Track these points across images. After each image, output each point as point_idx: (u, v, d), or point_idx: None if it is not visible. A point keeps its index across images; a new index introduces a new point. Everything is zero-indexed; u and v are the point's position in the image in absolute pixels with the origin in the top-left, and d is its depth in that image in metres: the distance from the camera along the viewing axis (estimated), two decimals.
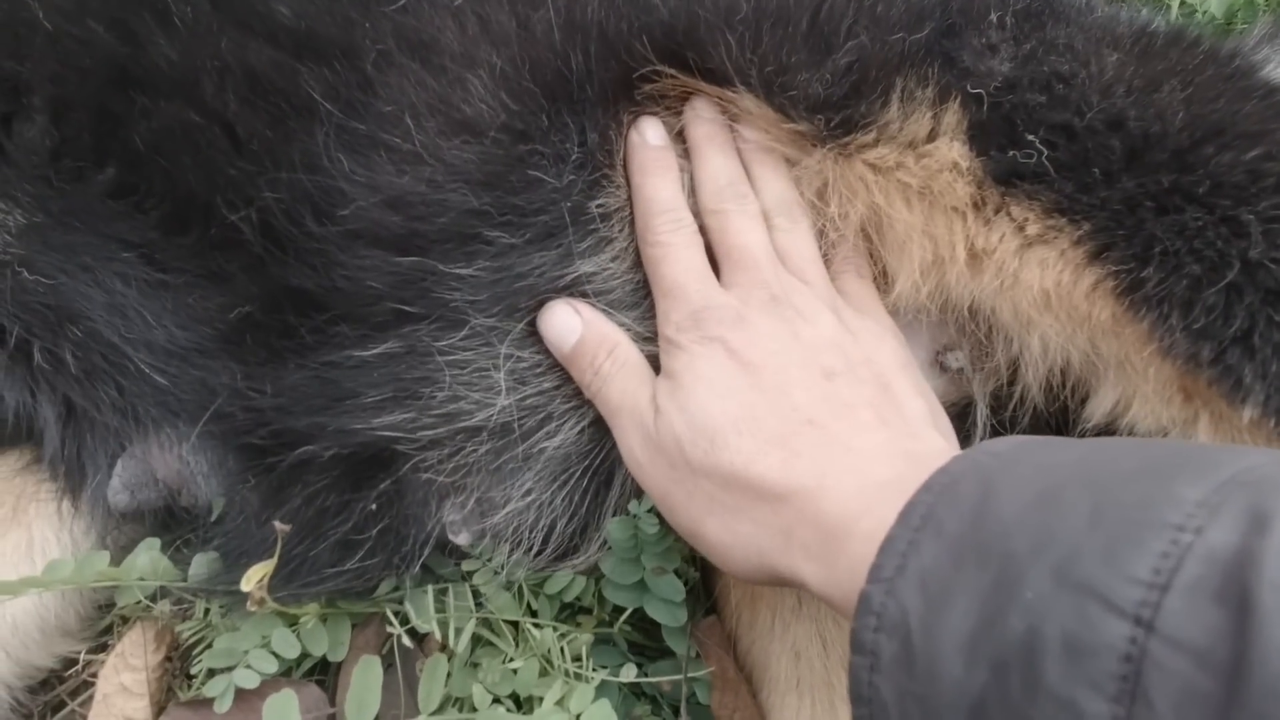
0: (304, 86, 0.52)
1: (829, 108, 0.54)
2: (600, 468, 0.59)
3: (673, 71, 0.55)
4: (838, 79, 0.53)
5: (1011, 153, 0.50)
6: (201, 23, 0.54)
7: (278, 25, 0.54)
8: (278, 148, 0.52)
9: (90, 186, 0.54)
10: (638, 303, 0.57)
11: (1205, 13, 1.22)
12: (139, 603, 0.61)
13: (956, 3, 0.60)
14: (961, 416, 0.62)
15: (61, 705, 0.62)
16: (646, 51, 0.54)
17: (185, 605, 0.64)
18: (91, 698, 0.61)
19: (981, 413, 0.61)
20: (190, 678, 0.60)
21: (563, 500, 0.58)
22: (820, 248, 0.57)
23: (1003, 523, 0.34)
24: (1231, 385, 0.45)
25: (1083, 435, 0.57)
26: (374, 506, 0.53)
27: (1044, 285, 0.50)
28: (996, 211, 0.50)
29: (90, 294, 0.54)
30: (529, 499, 0.58)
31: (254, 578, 0.48)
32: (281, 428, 0.52)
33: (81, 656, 0.62)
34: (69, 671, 0.63)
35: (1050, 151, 0.49)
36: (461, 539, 0.57)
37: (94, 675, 0.61)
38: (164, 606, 0.62)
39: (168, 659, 0.61)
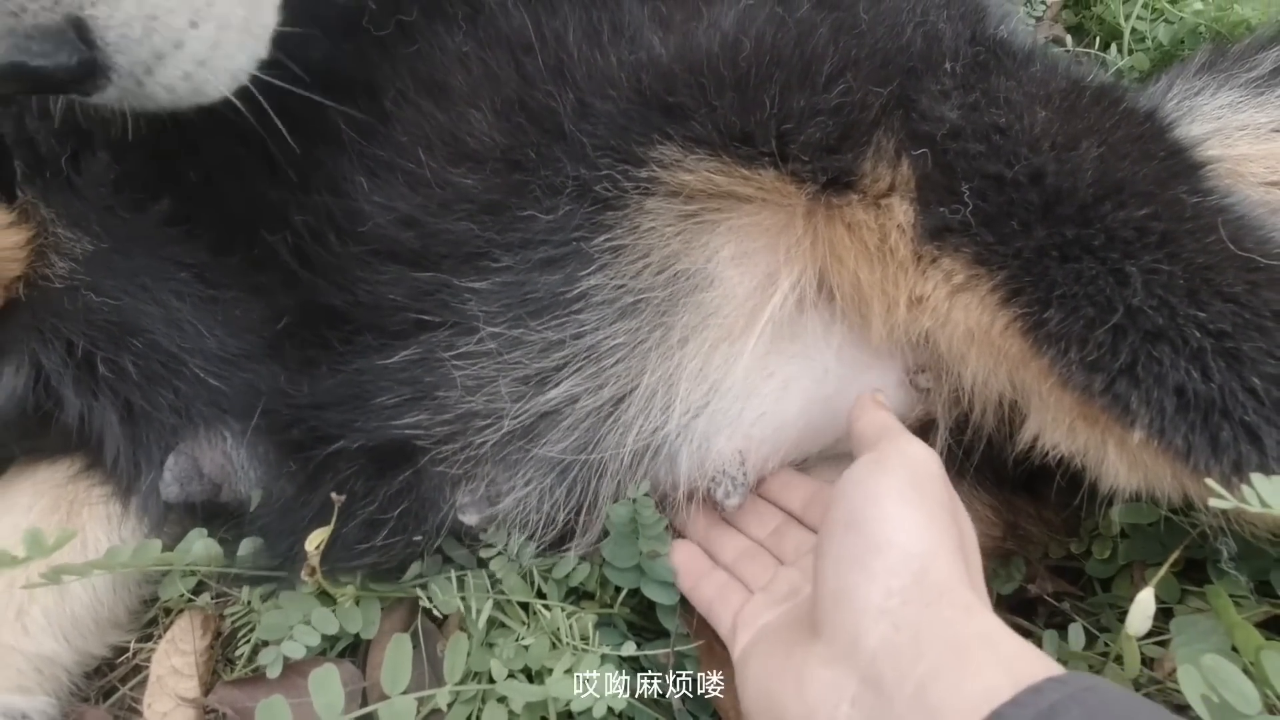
0: (329, 118, 0.63)
1: (825, 153, 0.65)
2: (594, 460, 0.69)
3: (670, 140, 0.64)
4: (831, 127, 0.64)
5: (943, 209, 0.60)
6: None
7: (309, 64, 0.64)
8: (306, 175, 0.63)
9: (148, 215, 0.65)
10: (639, 312, 0.69)
11: (1154, 39, 1.38)
12: (183, 595, 0.72)
13: (918, 49, 0.74)
14: (925, 430, 0.73)
15: (113, 690, 0.72)
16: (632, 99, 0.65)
17: (224, 597, 0.74)
18: (139, 683, 0.72)
19: (942, 433, 0.72)
20: (233, 661, 0.71)
21: (561, 488, 0.69)
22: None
23: None
24: (1121, 411, 0.55)
25: (1015, 460, 0.68)
26: (397, 488, 0.64)
27: (968, 325, 0.60)
28: (931, 263, 0.61)
29: (149, 310, 0.65)
30: (530, 486, 0.69)
31: (314, 541, 0.58)
32: (317, 424, 0.63)
33: (132, 645, 0.73)
34: (119, 659, 0.73)
35: (978, 203, 0.58)
36: (471, 520, 0.67)
37: (142, 662, 0.72)
38: (205, 598, 0.73)
39: (212, 644, 0.71)
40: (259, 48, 0.57)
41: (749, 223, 0.71)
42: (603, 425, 0.70)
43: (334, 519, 0.60)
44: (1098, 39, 1.50)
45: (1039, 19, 1.41)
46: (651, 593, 0.70)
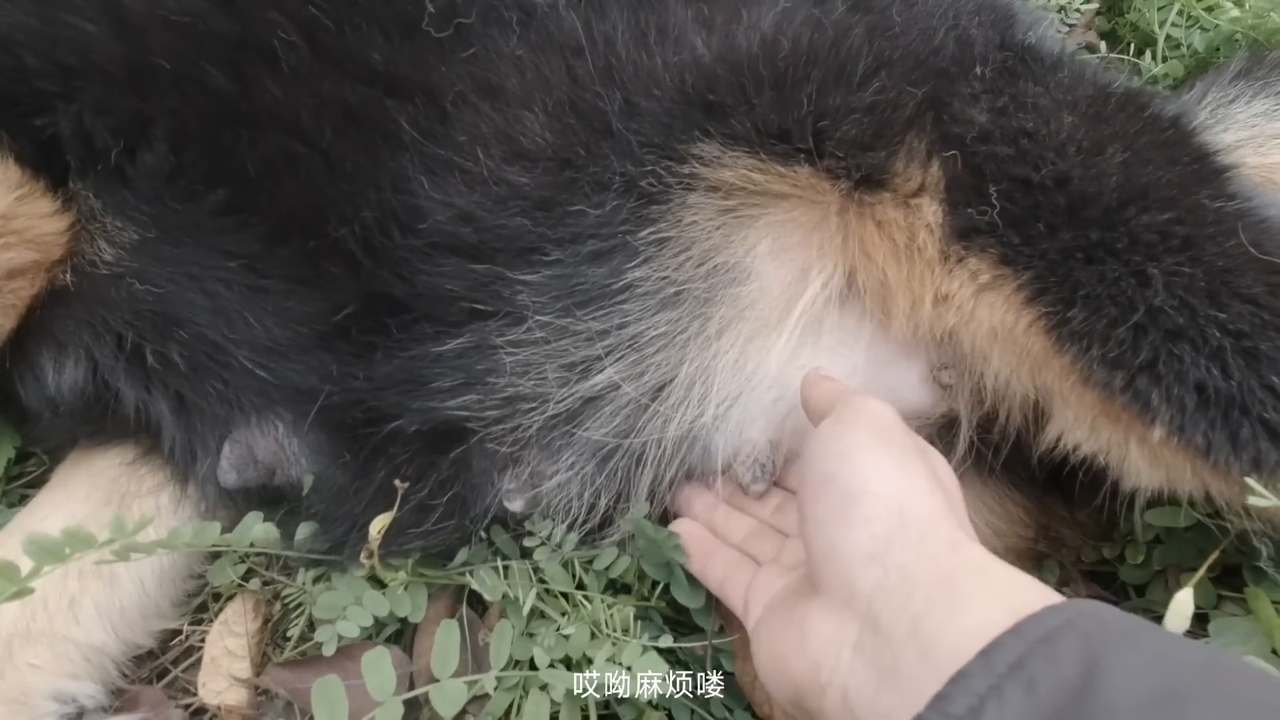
0: (392, 119, 0.66)
1: (859, 150, 0.68)
2: (634, 446, 0.73)
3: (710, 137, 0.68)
4: (865, 125, 0.67)
5: (970, 210, 0.62)
6: (304, 66, 0.67)
7: (371, 68, 0.68)
8: (369, 171, 0.66)
9: (201, 205, 0.68)
10: (680, 303, 0.72)
11: (1189, 46, 1.40)
12: (234, 580, 0.75)
13: (950, 53, 0.76)
14: (949, 428, 0.75)
15: (166, 671, 0.75)
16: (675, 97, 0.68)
17: (273, 582, 0.78)
18: (191, 665, 0.75)
19: (965, 431, 0.74)
20: (283, 644, 0.74)
21: (602, 475, 0.73)
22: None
23: (1115, 717, 0.33)
24: (1142, 408, 0.57)
25: (1040, 459, 0.70)
26: (446, 474, 0.67)
27: (992, 323, 0.63)
28: (958, 262, 0.64)
29: (196, 300, 0.68)
30: (572, 471, 0.72)
31: (378, 525, 0.61)
32: (376, 406, 0.66)
33: (185, 628, 0.76)
34: (173, 641, 0.76)
35: (1005, 205, 0.61)
36: (515, 506, 0.70)
37: (195, 644, 0.75)
38: (255, 583, 0.76)
39: (263, 627, 0.74)
40: None
41: (786, 219, 0.74)
42: (643, 413, 0.74)
43: (396, 504, 0.63)
44: (1131, 45, 1.52)
45: (1072, 26, 1.43)
46: (680, 595, 0.73)
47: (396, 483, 0.64)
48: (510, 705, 0.69)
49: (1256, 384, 0.55)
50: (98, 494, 0.77)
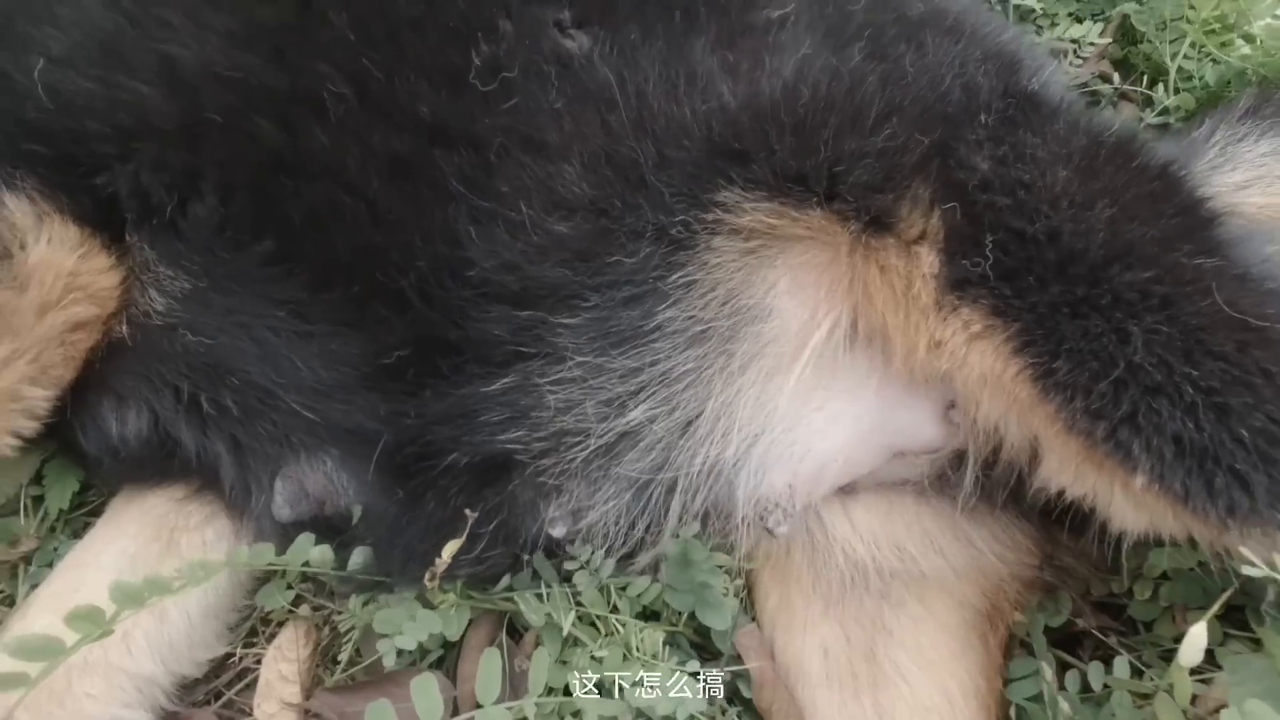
0: (439, 169, 0.70)
1: (869, 192, 0.72)
2: (666, 479, 0.77)
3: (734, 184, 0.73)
4: (876, 169, 0.72)
5: (965, 261, 0.66)
6: (352, 116, 0.71)
7: (418, 119, 0.72)
8: (416, 220, 0.70)
9: (249, 255, 0.71)
10: (706, 340, 0.76)
11: (1200, 79, 1.43)
12: (284, 607, 0.79)
13: (956, 100, 0.80)
14: (958, 463, 0.80)
15: (220, 694, 0.79)
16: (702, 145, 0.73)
17: (322, 609, 0.82)
18: (243, 688, 0.79)
19: (971, 465, 0.78)
20: (334, 664, 0.78)
21: (638, 505, 0.77)
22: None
23: None
24: (1124, 457, 0.61)
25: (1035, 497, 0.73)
26: (494, 504, 0.72)
27: (982, 370, 0.67)
28: (952, 311, 0.68)
29: (245, 348, 0.72)
30: (611, 502, 0.76)
31: (449, 550, 0.65)
32: (427, 443, 0.70)
33: (238, 651, 0.80)
34: (227, 663, 0.80)
35: (999, 256, 0.65)
36: (559, 532, 0.75)
37: (249, 665, 0.79)
38: (305, 609, 0.81)
39: (313, 653, 0.78)
40: None
41: (802, 260, 0.79)
42: (674, 447, 0.78)
43: (465, 531, 0.67)
44: (1145, 76, 1.55)
45: (1085, 59, 1.47)
46: (707, 618, 0.79)
47: (467, 512, 0.68)
48: None
49: (1227, 437, 0.59)
50: (147, 530, 0.81)
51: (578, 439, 0.74)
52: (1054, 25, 1.44)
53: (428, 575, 0.68)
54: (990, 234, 0.66)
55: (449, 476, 0.71)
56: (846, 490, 0.83)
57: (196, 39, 0.71)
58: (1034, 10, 1.41)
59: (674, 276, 0.75)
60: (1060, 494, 0.69)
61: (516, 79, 0.73)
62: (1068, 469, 0.66)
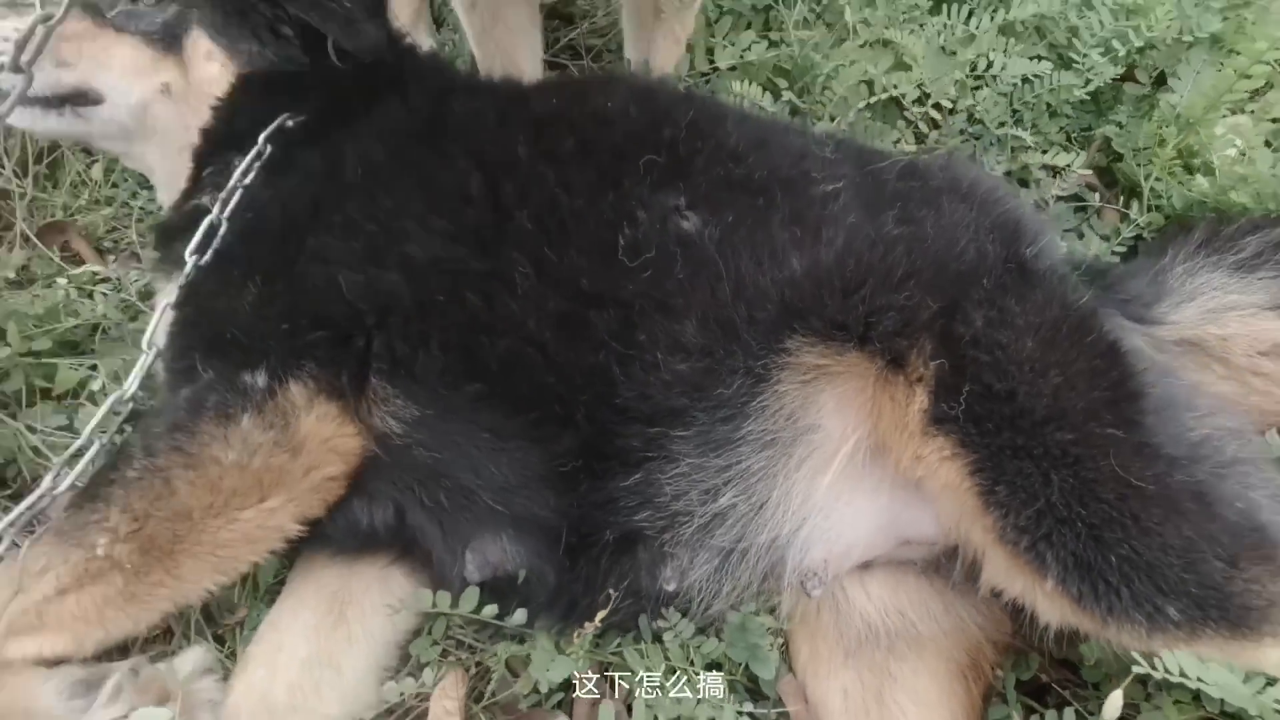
0: (594, 326, 0.99)
1: (892, 337, 1.00)
2: (742, 549, 1.04)
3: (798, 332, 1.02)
4: (898, 319, 1.01)
5: (944, 404, 0.93)
6: (533, 289, 1.00)
7: (580, 289, 1.01)
8: (578, 363, 0.99)
9: (462, 393, 0.99)
10: (774, 446, 1.03)
11: (1169, 201, 1.70)
12: (441, 651, 1.05)
13: (968, 262, 1.07)
14: (951, 554, 1.04)
15: None
16: (777, 307, 1.01)
17: (473, 651, 1.07)
18: None
19: (962, 557, 1.01)
20: (479, 699, 1.03)
21: (724, 568, 1.04)
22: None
23: None
24: (1039, 565, 0.86)
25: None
26: (627, 568, 1.00)
27: (946, 481, 0.94)
28: (932, 437, 0.94)
29: (458, 459, 0.99)
30: (707, 565, 1.04)
31: (599, 618, 0.92)
32: (583, 524, 0.98)
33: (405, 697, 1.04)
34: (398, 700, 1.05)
35: (970, 404, 0.91)
36: (671, 587, 1.02)
37: (410, 705, 1.04)
38: (462, 654, 1.06)
39: (468, 694, 1.03)
40: None
41: (842, 389, 1.07)
42: (749, 524, 1.06)
43: (611, 605, 0.96)
44: (1124, 190, 1.82)
45: (1066, 184, 1.73)
46: (758, 669, 1.07)
47: (610, 592, 0.96)
48: None
49: (1104, 559, 0.86)
50: (323, 604, 1.08)
51: (686, 518, 1.02)
52: (1044, 151, 1.71)
53: (579, 632, 0.94)
54: (968, 385, 0.95)
55: (598, 548, 1.00)
56: (864, 566, 1.10)
57: (425, 239, 1.00)
58: (1025, 141, 1.68)
59: (755, 402, 1.03)
60: (1001, 594, 0.95)
61: (652, 256, 1.01)
62: (999, 572, 0.94)
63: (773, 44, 1.61)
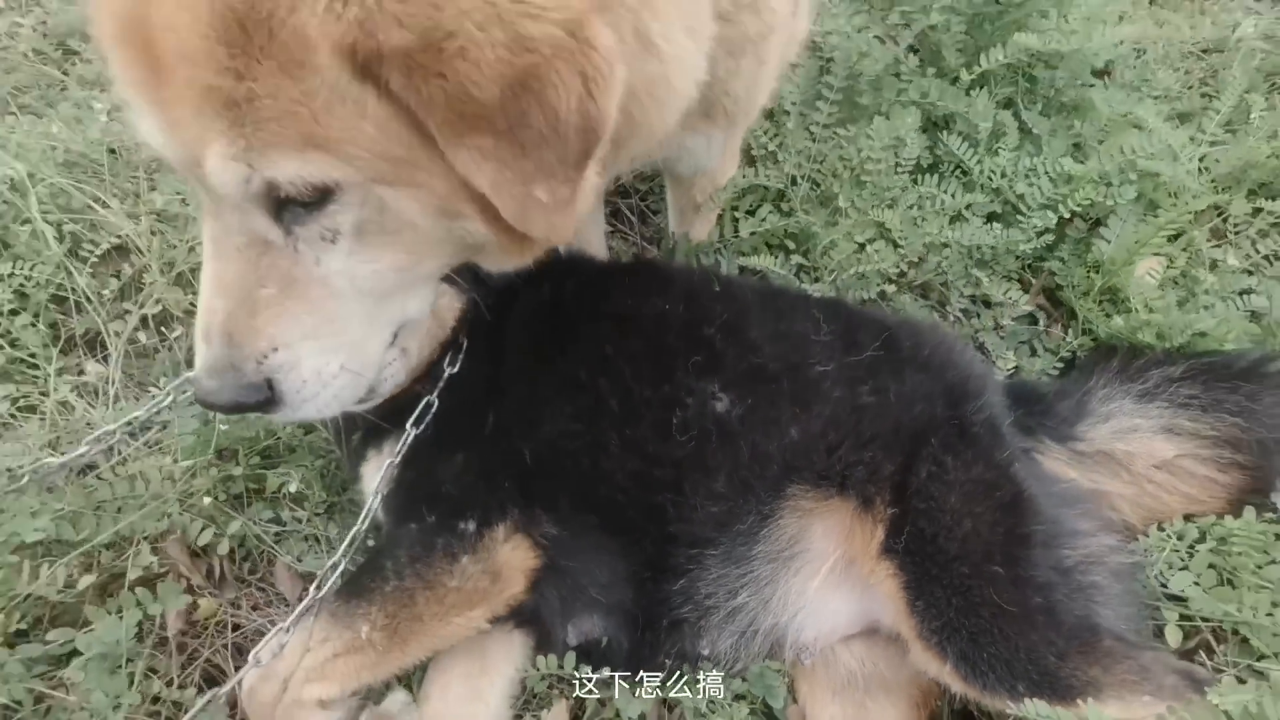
0: (656, 479, 1.49)
1: (862, 484, 1.50)
2: (755, 629, 1.54)
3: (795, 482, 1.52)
4: (865, 471, 1.50)
5: (890, 539, 1.42)
6: (618, 453, 1.50)
7: (647, 452, 1.50)
8: (647, 506, 1.49)
9: (583, 521, 1.48)
10: (776, 560, 1.53)
11: (1096, 328, 2.15)
12: (549, 687, 1.56)
13: (923, 420, 1.56)
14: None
15: None
16: (780, 465, 1.52)
17: (570, 686, 1.60)
18: None
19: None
20: None
21: (741, 642, 1.55)
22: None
23: None
24: (941, 653, 1.34)
25: None
26: (675, 642, 1.51)
27: (887, 589, 1.42)
28: (880, 560, 1.43)
29: (578, 566, 1.48)
30: (730, 639, 1.54)
31: (668, 688, 1.44)
32: (649, 612, 1.50)
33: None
34: None
35: (908, 541, 1.40)
36: (706, 652, 1.52)
37: None
38: (562, 687, 1.58)
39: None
40: (361, 389, 1.25)
41: (827, 523, 1.56)
42: (760, 613, 1.55)
43: (673, 680, 1.47)
44: (1066, 313, 2.26)
45: (1005, 325, 2.17)
46: (772, 701, 1.57)
47: (665, 660, 1.47)
48: None
49: (980, 654, 1.34)
50: (471, 658, 1.55)
51: (715, 609, 1.52)
52: (1002, 289, 2.16)
53: (653, 685, 1.46)
54: (909, 527, 1.43)
55: (657, 627, 1.51)
56: (844, 640, 1.60)
57: (555, 418, 1.51)
58: (982, 281, 2.13)
59: (763, 531, 1.52)
60: (924, 673, 1.45)
61: (695, 432, 1.50)
62: (918, 656, 1.42)
63: (783, 214, 2.08)
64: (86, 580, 1.48)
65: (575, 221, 1.06)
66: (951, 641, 1.36)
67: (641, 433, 1.51)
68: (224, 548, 1.67)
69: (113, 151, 2.28)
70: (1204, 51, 2.92)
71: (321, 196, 1.00)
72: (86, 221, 2.08)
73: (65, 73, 2.73)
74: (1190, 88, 2.76)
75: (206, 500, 1.69)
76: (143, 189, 2.20)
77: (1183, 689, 1.34)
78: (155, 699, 1.48)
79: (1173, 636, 1.59)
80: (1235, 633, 1.59)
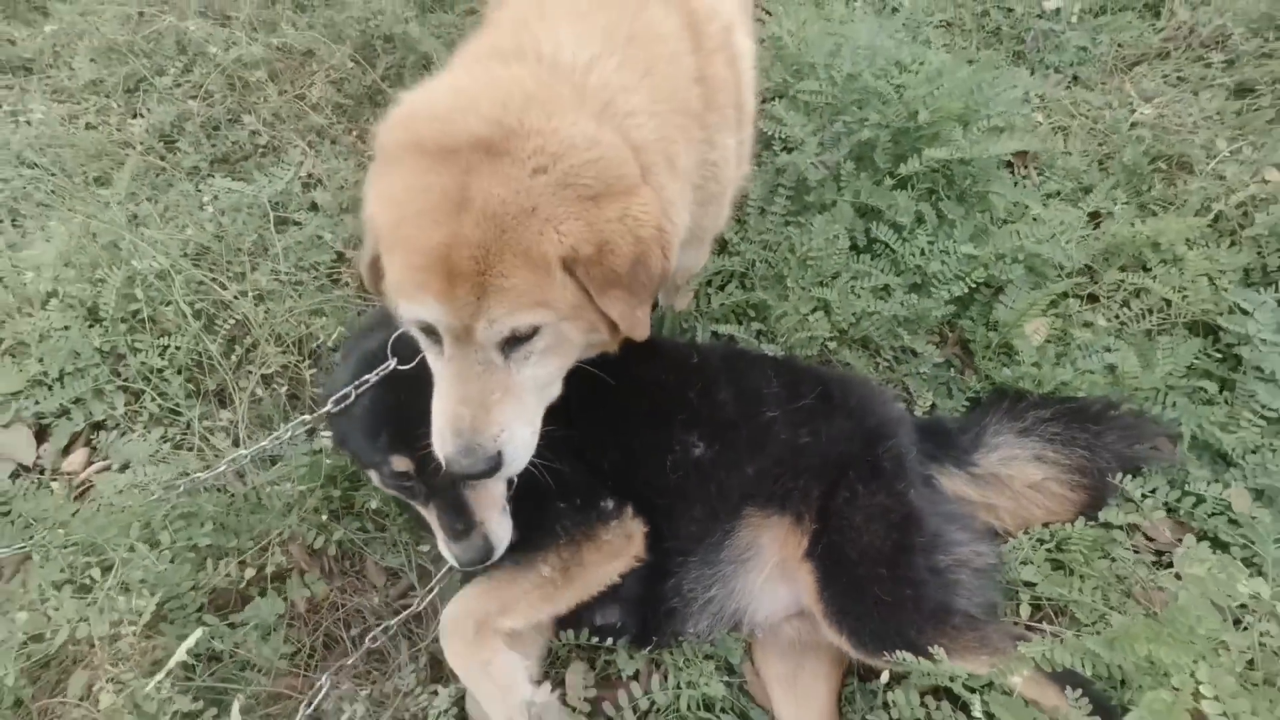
0: (657, 507, 2.10)
1: (796, 503, 2.12)
2: (722, 613, 2.15)
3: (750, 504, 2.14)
4: (799, 494, 2.12)
5: (810, 543, 2.04)
6: (639, 485, 2.11)
7: (651, 486, 2.10)
8: (652, 525, 2.09)
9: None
10: (736, 561, 2.14)
11: (994, 375, 2.75)
12: (570, 652, 2.17)
13: (846, 456, 2.17)
14: None
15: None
16: (739, 493, 2.13)
17: (591, 652, 2.20)
18: None
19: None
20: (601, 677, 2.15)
21: (714, 622, 2.16)
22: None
23: None
24: (839, 632, 1.95)
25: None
26: (670, 625, 2.13)
27: (805, 586, 2.04)
28: (803, 561, 2.04)
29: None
30: (706, 620, 2.14)
31: (669, 661, 2.05)
32: (649, 601, 2.11)
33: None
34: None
35: (823, 549, 2.02)
36: (690, 632, 2.13)
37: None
38: (582, 653, 2.19)
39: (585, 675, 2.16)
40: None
41: (772, 533, 2.17)
42: (725, 601, 2.16)
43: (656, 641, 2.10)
44: (974, 363, 2.87)
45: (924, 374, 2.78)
46: (731, 658, 2.19)
47: (655, 639, 2.09)
48: None
49: (867, 631, 1.95)
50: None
51: (694, 599, 2.13)
52: (924, 345, 2.75)
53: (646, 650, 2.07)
54: (825, 539, 2.04)
55: (656, 615, 2.11)
56: (785, 615, 2.21)
57: (615, 455, 2.11)
58: (907, 341, 2.72)
59: (727, 541, 2.13)
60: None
61: (681, 472, 2.11)
62: (825, 632, 2.02)
63: (745, 289, 2.69)
64: (248, 573, 2.10)
65: (649, 324, 1.75)
66: (845, 621, 1.97)
67: (649, 470, 2.11)
68: (331, 550, 2.29)
69: (219, 238, 2.91)
70: (1106, 132, 3.51)
71: (531, 335, 1.63)
72: (210, 299, 2.71)
73: (163, 159, 3.36)
74: (1091, 165, 3.36)
75: (316, 515, 2.32)
76: (248, 269, 2.82)
77: (1012, 649, 1.95)
78: (294, 654, 2.11)
79: (1024, 612, 2.19)
80: (1066, 609, 2.19)
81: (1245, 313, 2.66)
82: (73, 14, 3.84)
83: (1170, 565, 2.28)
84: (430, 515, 1.96)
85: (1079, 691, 1.74)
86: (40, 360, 2.53)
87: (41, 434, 2.56)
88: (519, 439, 1.70)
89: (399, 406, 1.90)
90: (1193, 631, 1.76)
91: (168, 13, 3.89)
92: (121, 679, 1.74)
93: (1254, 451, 2.44)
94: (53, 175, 3.27)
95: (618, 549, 2.01)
